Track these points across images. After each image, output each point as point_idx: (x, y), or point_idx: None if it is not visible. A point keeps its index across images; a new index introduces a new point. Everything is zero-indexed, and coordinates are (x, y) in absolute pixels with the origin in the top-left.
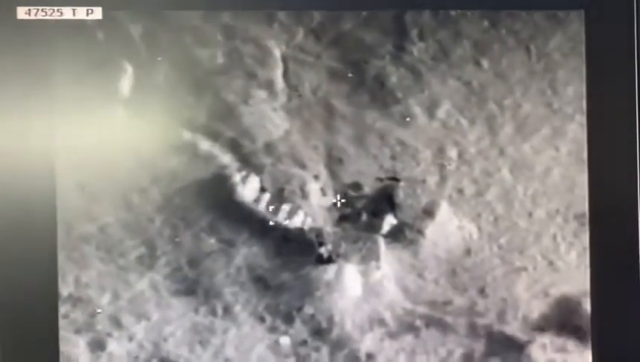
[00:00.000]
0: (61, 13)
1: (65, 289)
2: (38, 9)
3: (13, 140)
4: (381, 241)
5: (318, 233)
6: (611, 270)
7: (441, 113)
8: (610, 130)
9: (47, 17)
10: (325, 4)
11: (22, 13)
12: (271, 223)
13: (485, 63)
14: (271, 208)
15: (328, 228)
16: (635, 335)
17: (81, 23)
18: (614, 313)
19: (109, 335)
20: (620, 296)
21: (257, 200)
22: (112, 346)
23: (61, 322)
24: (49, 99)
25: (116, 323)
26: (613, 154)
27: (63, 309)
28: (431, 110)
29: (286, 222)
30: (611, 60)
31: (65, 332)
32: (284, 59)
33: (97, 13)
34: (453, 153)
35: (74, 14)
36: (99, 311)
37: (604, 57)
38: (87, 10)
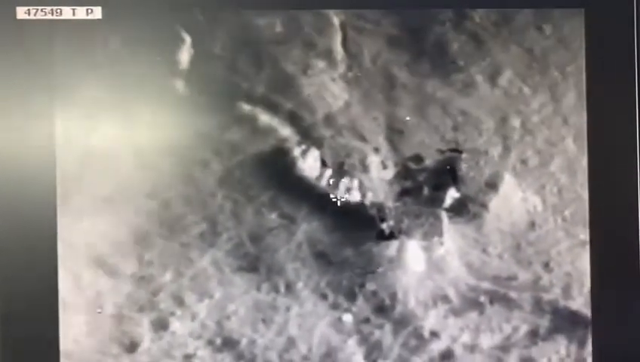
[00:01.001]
0: (60, 12)
1: (128, 267)
2: (37, 9)
3: (14, 140)
4: (444, 216)
5: (380, 208)
6: (612, 269)
7: (503, 81)
8: (610, 128)
9: (46, 17)
10: None
11: (21, 12)
12: (331, 198)
13: (547, 29)
14: (331, 182)
15: (389, 203)
16: (636, 333)
17: None
18: (615, 312)
19: (172, 314)
20: (621, 294)
21: (317, 174)
22: (175, 325)
23: (124, 301)
24: (49, 99)
25: (179, 301)
26: (613, 152)
27: (125, 288)
28: (493, 78)
29: (346, 197)
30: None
31: (128, 311)
32: (343, 27)
33: (97, 12)
34: (516, 122)
35: (73, 14)
36: (99, 310)
37: (603, 56)
38: (87, 9)
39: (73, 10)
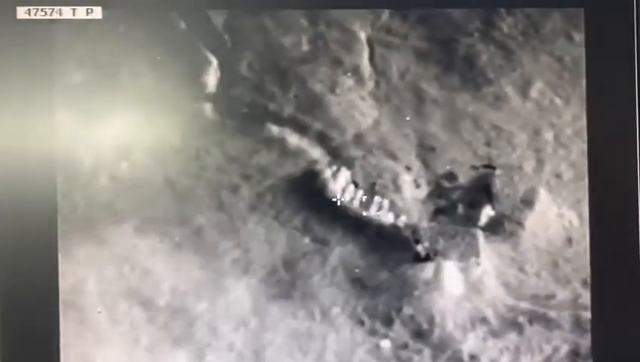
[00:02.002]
0: (61, 12)
1: (161, 298)
2: (37, 9)
3: (14, 140)
4: (480, 235)
5: (414, 229)
6: (612, 267)
7: (534, 92)
8: (610, 128)
9: (46, 17)
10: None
11: (22, 13)
12: (364, 220)
13: (577, 37)
14: (364, 204)
15: (424, 224)
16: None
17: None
18: (615, 311)
19: (208, 345)
20: (620, 293)
21: (349, 196)
22: (211, 357)
23: (158, 333)
24: (50, 99)
25: (214, 331)
26: (613, 152)
27: (160, 319)
28: (524, 90)
29: (379, 218)
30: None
31: (163, 345)
32: (370, 42)
33: (97, 12)
34: (549, 136)
35: (74, 14)
36: (99, 310)
37: (603, 56)
38: (87, 9)
39: (73, 10)
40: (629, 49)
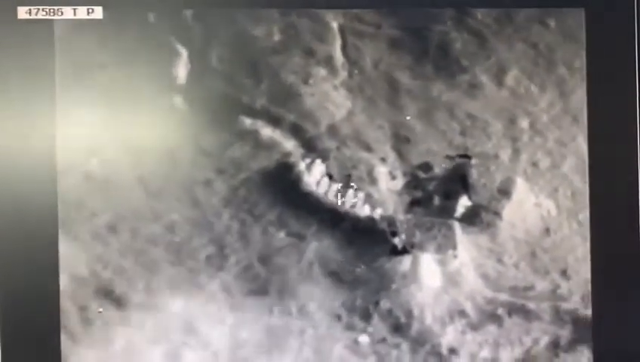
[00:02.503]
0: (62, 12)
1: (136, 296)
2: (38, 9)
3: (15, 139)
4: (457, 227)
5: (391, 222)
6: (613, 267)
7: (509, 80)
8: (610, 128)
9: (47, 17)
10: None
11: (22, 12)
12: (340, 213)
13: (551, 23)
14: (339, 196)
15: (400, 216)
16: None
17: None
18: (616, 310)
19: (185, 343)
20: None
21: (324, 189)
22: (188, 356)
23: (135, 333)
24: (50, 98)
25: (190, 330)
26: (614, 152)
27: (135, 317)
28: (499, 77)
29: (355, 211)
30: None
31: (139, 343)
32: (342, 32)
33: (98, 12)
34: (525, 123)
35: (74, 14)
36: (100, 310)
37: (604, 55)
38: (88, 9)
39: (74, 10)
40: (629, 49)
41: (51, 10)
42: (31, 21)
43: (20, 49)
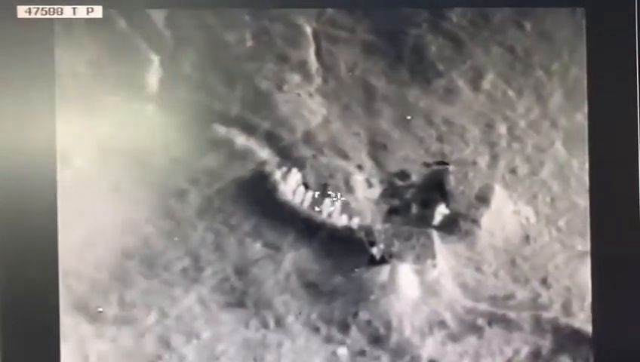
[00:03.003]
0: (61, 11)
1: (110, 310)
2: (38, 8)
3: (14, 139)
4: (435, 236)
5: (368, 231)
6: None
7: (486, 84)
8: (610, 126)
9: (47, 16)
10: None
11: (22, 12)
12: (317, 222)
13: (527, 25)
14: (315, 206)
15: (378, 225)
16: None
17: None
18: (616, 308)
19: (159, 358)
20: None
21: (300, 198)
22: None
23: (108, 346)
24: (50, 97)
25: (165, 344)
26: (615, 151)
27: (109, 332)
28: (475, 82)
29: (332, 221)
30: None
31: (114, 358)
32: (316, 37)
33: (97, 11)
34: (502, 129)
35: (74, 13)
36: (100, 309)
37: (604, 55)
38: (88, 8)
39: (74, 9)
40: (629, 48)
41: (51, 10)
42: (30, 20)
43: (20, 48)
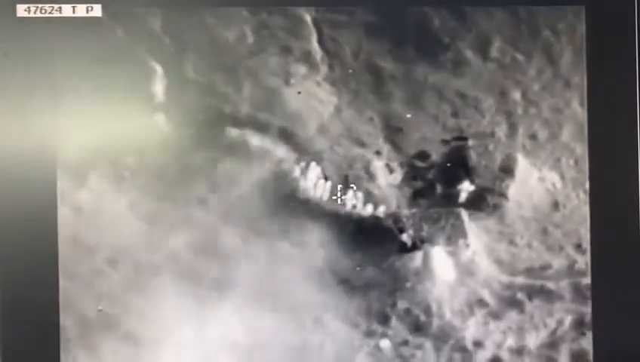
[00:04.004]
0: (60, 10)
1: (147, 331)
2: (37, 6)
3: (14, 138)
4: (464, 215)
5: (396, 218)
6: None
7: (494, 52)
8: (611, 125)
9: (46, 15)
10: None
11: (21, 10)
12: (343, 215)
13: None
14: (339, 199)
15: (405, 211)
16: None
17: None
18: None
19: None
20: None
21: (322, 193)
22: None
23: None
24: (49, 96)
25: (206, 359)
26: (614, 151)
27: (148, 353)
28: (483, 50)
29: (358, 212)
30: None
31: None
32: (317, 24)
33: (97, 10)
34: (516, 95)
35: (73, 12)
36: (100, 308)
37: (604, 53)
38: (87, 7)
39: (73, 7)
40: (629, 46)
41: (50, 8)
42: (30, 19)
43: (19, 47)
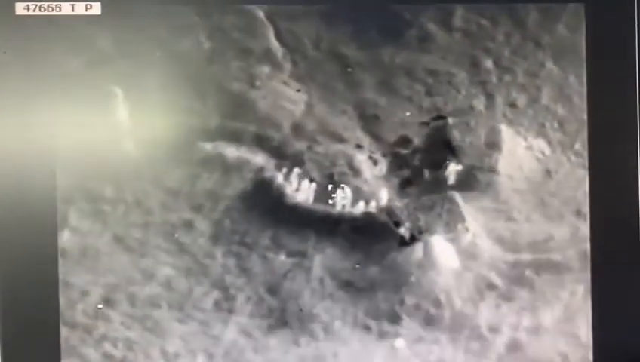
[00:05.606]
0: (60, 8)
1: None
2: (36, 4)
3: (13, 138)
4: (457, 197)
5: (389, 211)
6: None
7: (457, 21)
8: (610, 125)
9: (45, 13)
10: None
11: (20, 8)
12: (334, 217)
13: None
14: (328, 199)
15: (397, 203)
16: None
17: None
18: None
19: None
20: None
21: (309, 196)
22: None
23: None
24: (49, 96)
25: None
26: (614, 151)
27: None
28: (446, 21)
29: (350, 210)
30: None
31: None
32: (271, 19)
33: (96, 8)
34: (488, 63)
35: (72, 10)
36: (100, 306)
37: (603, 51)
38: (86, 5)
39: (72, 5)
40: (629, 44)
41: (49, 6)
42: (29, 17)
43: (18, 45)
